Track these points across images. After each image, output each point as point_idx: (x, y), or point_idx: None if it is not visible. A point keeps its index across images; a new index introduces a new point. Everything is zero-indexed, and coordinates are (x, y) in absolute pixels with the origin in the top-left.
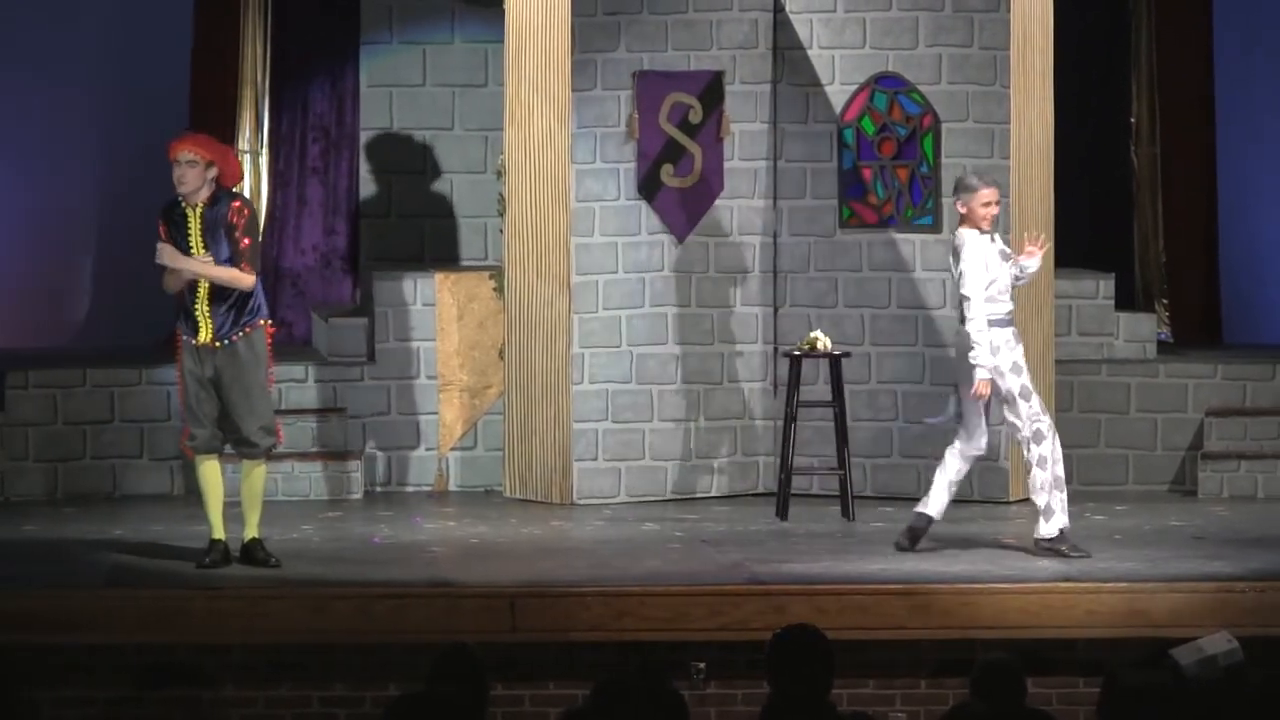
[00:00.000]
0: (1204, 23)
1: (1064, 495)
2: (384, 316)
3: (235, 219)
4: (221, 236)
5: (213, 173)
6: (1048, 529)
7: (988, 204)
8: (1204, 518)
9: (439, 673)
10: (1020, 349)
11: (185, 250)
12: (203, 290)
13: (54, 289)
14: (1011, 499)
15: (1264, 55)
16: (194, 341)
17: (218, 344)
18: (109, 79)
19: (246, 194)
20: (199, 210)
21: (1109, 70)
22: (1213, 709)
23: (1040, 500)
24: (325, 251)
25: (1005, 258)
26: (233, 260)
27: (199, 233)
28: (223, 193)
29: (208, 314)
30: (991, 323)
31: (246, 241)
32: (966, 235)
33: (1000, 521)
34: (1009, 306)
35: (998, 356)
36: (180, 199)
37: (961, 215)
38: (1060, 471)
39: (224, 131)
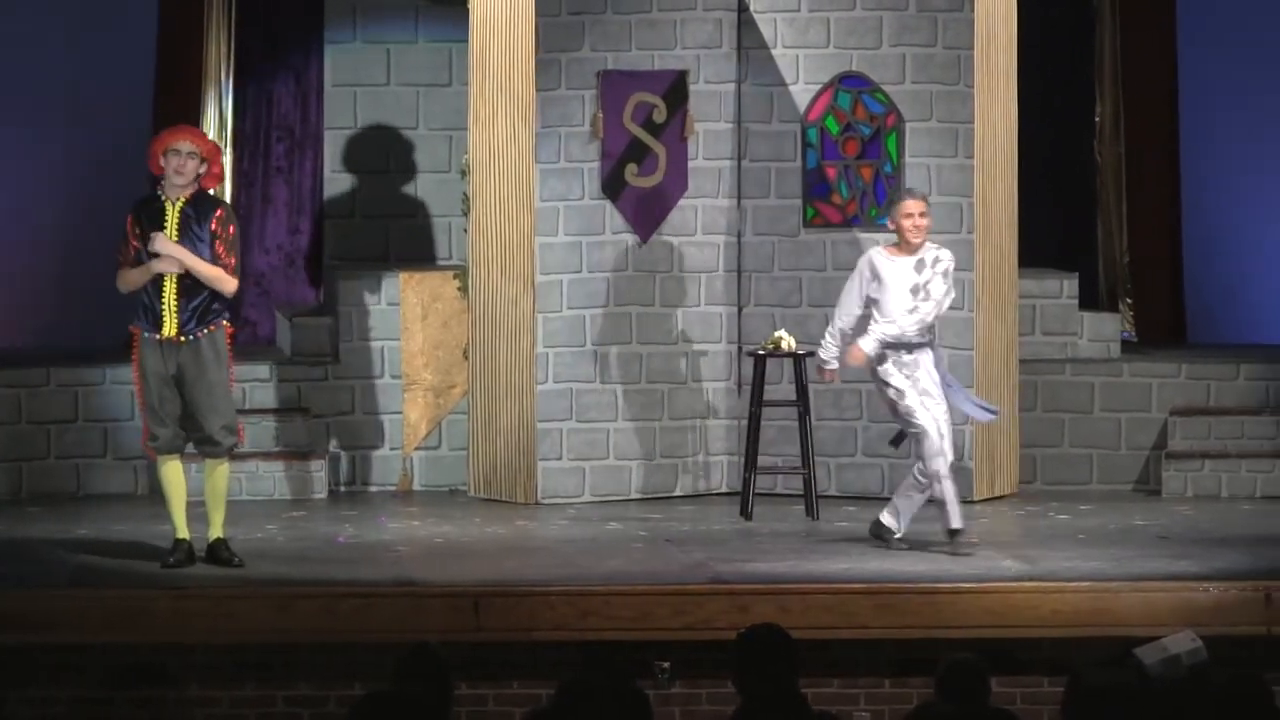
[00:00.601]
0: (1168, 21)
1: (922, 497)
2: (348, 316)
3: (218, 229)
4: (204, 234)
5: (203, 169)
6: (889, 519)
7: (908, 215)
8: (1168, 517)
9: (403, 672)
10: (920, 372)
11: None
12: (170, 284)
13: (17, 289)
14: (976, 498)
15: (1228, 53)
16: (157, 337)
17: (182, 339)
18: (72, 78)
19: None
20: (178, 205)
21: (1073, 69)
22: (1177, 708)
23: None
24: (289, 251)
25: (915, 292)
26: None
27: (175, 227)
28: (203, 194)
29: (174, 308)
30: (889, 341)
31: (231, 255)
32: (869, 252)
33: (965, 520)
34: (907, 336)
35: (884, 366)
36: (160, 193)
37: (893, 229)
38: (921, 475)
39: None
